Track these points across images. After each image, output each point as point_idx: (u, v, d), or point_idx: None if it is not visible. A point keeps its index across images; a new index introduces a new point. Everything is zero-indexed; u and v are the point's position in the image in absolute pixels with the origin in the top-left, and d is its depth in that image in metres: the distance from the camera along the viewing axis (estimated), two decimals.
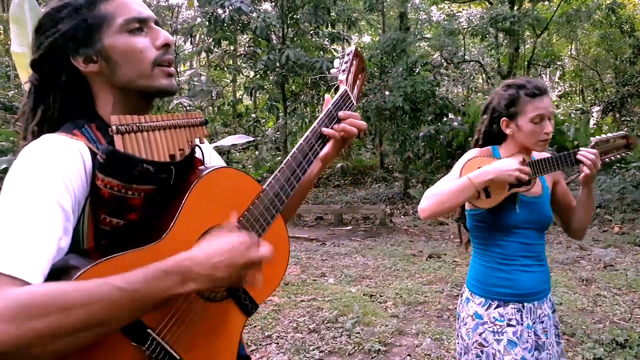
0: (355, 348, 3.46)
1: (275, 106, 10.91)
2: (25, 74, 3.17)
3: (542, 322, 1.69)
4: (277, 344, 3.59)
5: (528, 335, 1.64)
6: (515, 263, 1.69)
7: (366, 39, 19.45)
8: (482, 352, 1.65)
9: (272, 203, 0.99)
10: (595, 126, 12.93)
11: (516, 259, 1.69)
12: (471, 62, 13.60)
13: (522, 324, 1.64)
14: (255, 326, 3.91)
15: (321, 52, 11.06)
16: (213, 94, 12.39)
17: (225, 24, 9.88)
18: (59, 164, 0.78)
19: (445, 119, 9.83)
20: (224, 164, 1.15)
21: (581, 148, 1.65)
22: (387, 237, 7.66)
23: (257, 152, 13.68)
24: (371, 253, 6.48)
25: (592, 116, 14.11)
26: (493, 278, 1.70)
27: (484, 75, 14.57)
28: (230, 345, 0.97)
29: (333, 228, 8.61)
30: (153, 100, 0.98)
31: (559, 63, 14.49)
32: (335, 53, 12.58)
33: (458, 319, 1.79)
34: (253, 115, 14.59)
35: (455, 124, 8.88)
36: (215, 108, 13.39)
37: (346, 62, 1.21)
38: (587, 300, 4.32)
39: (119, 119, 0.84)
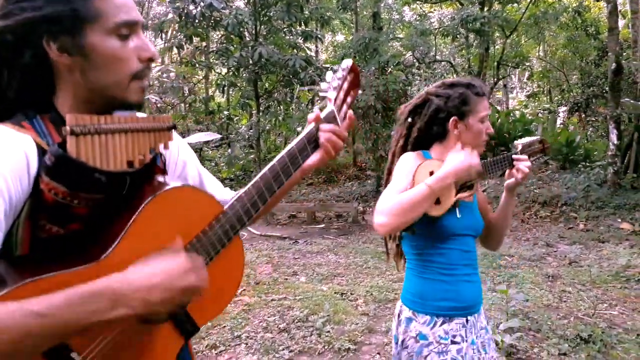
0: (325, 347, 3.45)
1: (248, 104, 10.81)
2: None
3: (480, 335, 1.60)
4: (247, 344, 3.55)
5: (473, 353, 1.54)
6: (457, 273, 1.56)
7: (340, 37, 19.48)
8: None
9: (232, 225, 0.93)
10: (562, 125, 13.26)
11: (458, 268, 1.56)
12: (442, 62, 13.78)
13: (466, 340, 1.54)
14: (224, 326, 3.85)
15: (294, 50, 11.00)
16: (185, 91, 12.20)
17: (196, 20, 9.74)
18: (2, 165, 0.72)
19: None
20: (196, 163, 1.11)
21: (514, 155, 1.66)
22: (360, 234, 7.68)
23: (229, 150, 13.55)
24: (343, 251, 6.49)
25: (559, 116, 14.47)
26: (437, 291, 1.55)
27: (454, 75, 14.78)
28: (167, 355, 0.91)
29: (306, 226, 8.59)
30: (115, 109, 0.89)
31: (527, 64, 14.81)
32: (308, 51, 12.55)
33: (396, 343, 1.61)
34: (225, 112, 14.44)
35: None
36: (187, 105, 13.19)
37: (339, 78, 1.13)
38: (553, 296, 4.41)
39: (75, 118, 0.76)
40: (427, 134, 1.65)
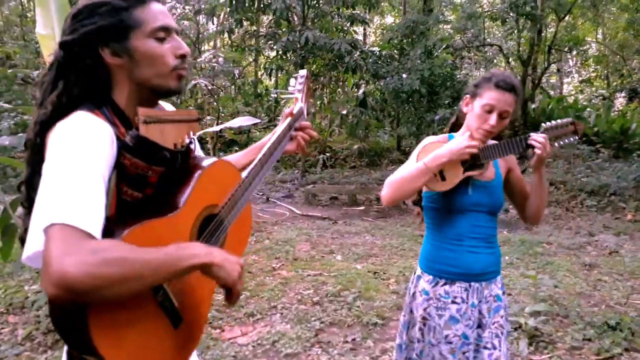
0: (355, 320, 3.66)
1: None
2: (49, 55, 3.38)
3: (488, 302, 1.78)
4: (282, 314, 3.81)
5: (471, 313, 1.74)
6: (463, 244, 1.76)
7: (390, 20, 19.28)
8: (424, 324, 1.77)
9: (247, 191, 1.24)
10: (617, 112, 12.70)
11: (465, 240, 1.76)
12: (492, 46, 13.45)
13: (467, 302, 1.74)
14: (262, 297, 4.13)
15: (341, 34, 11.07)
16: (236, 74, 12.55)
17: (246, 5, 10.00)
18: (100, 143, 0.94)
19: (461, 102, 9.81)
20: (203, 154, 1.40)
21: (531, 134, 1.70)
22: (399, 218, 7.79)
23: None
24: (380, 233, 6.64)
25: (614, 102, 13.82)
26: (442, 257, 1.78)
27: (504, 59, 14.37)
28: (205, 303, 1.19)
29: (346, 208, 8.77)
30: (161, 98, 1.14)
31: (582, 48, 14.17)
32: (355, 34, 12.60)
33: (408, 294, 1.89)
34: (273, 95, 14.72)
35: None
36: (236, 88, 13.56)
37: (300, 83, 1.52)
38: (587, 285, 4.41)
39: (146, 111, 1.03)
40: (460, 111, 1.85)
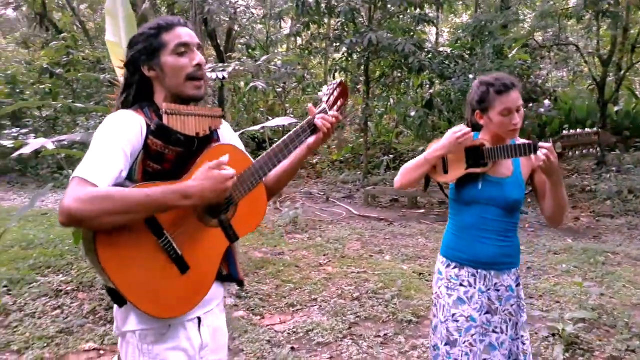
0: (390, 317, 3.72)
1: (358, 88, 11.11)
2: (116, 59, 3.76)
3: (498, 290, 1.90)
4: (320, 306, 3.95)
5: (479, 298, 1.87)
6: (471, 233, 1.92)
7: (465, 18, 18.76)
8: (437, 302, 1.95)
9: (257, 173, 1.45)
10: None
11: (472, 230, 1.92)
12: (570, 45, 12.71)
13: (474, 287, 1.89)
14: (304, 290, 4.30)
15: (408, 34, 10.98)
16: (305, 77, 12.87)
17: (312, 8, 10.25)
18: (127, 128, 1.30)
19: (530, 104, 9.39)
20: (240, 145, 1.62)
21: (540, 142, 1.72)
22: None
23: (342, 133, 14.03)
24: (435, 236, 6.58)
25: None
26: (453, 242, 1.99)
27: (588, 59, 13.54)
28: (214, 258, 1.42)
29: (405, 210, 8.74)
30: (186, 102, 1.41)
31: None
32: (422, 35, 12.45)
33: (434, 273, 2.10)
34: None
35: (542, 110, 8.45)
36: (302, 89, 13.89)
37: (330, 88, 1.68)
38: None
39: (168, 105, 1.35)
40: (472, 120, 1.98)
